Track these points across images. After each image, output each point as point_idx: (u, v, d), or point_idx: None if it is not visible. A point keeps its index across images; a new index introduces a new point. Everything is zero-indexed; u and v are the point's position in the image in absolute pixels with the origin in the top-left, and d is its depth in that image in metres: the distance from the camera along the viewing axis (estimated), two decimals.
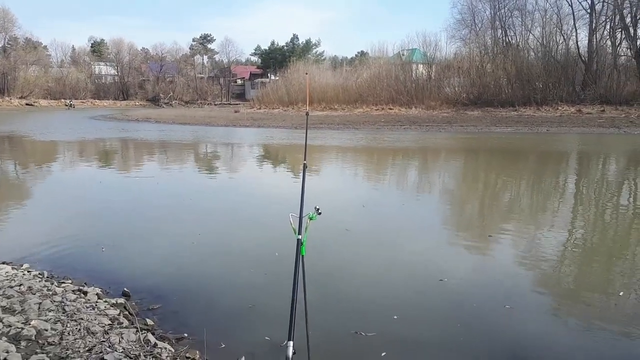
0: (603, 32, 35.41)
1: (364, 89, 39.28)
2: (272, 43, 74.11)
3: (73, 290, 4.22)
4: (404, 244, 6.03)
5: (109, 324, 3.58)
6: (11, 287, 4.13)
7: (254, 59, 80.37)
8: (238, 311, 4.08)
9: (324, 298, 4.23)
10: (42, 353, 3.05)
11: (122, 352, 3.14)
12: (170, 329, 3.74)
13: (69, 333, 3.33)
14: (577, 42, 35.75)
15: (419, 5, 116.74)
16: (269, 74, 70.15)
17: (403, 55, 42.68)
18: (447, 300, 4.30)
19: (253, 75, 75.43)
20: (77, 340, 3.24)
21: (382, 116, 32.23)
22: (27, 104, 55.24)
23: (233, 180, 11.30)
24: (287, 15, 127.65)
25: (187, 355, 3.32)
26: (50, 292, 4.11)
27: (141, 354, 3.17)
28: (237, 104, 56.62)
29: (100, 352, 3.11)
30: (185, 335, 3.63)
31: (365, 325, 3.75)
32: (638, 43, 33.94)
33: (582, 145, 18.57)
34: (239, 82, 77.90)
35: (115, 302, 4.06)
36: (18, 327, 3.31)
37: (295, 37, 72.28)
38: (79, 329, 3.39)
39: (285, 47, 71.77)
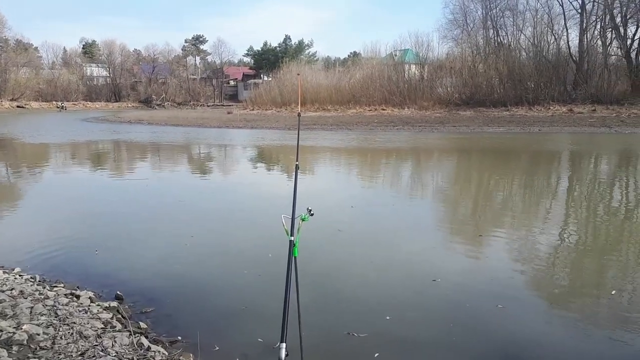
0: (594, 31, 35.69)
1: (356, 90, 39.27)
2: (265, 44, 74.10)
3: (65, 294, 4.19)
4: (396, 244, 6.04)
5: (101, 328, 3.56)
6: (2, 291, 4.10)
7: (247, 60, 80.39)
8: (231, 313, 4.08)
9: (316, 299, 4.24)
10: (34, 358, 3.03)
11: (115, 355, 3.13)
12: (164, 332, 3.73)
13: (61, 337, 3.31)
14: (568, 41, 36.04)
15: (418, 5, 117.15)
16: (261, 75, 70.09)
17: (395, 55, 42.70)
18: (441, 300, 4.32)
19: (246, 77, 75.30)
20: (69, 345, 3.22)
21: (375, 117, 32.25)
22: (18, 106, 54.87)
23: (225, 181, 11.29)
24: (286, 15, 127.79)
25: (181, 358, 3.32)
26: (42, 296, 4.08)
27: (134, 357, 3.16)
28: (230, 105, 56.48)
29: (93, 356, 3.09)
30: (179, 338, 3.62)
31: (358, 325, 3.76)
32: (628, 43, 34.30)
33: (573, 144, 18.70)
34: (232, 83, 77.79)
35: (108, 305, 4.05)
36: (10, 332, 3.29)
37: (287, 38, 72.38)
38: (72, 333, 3.38)
39: (277, 48, 71.70)
